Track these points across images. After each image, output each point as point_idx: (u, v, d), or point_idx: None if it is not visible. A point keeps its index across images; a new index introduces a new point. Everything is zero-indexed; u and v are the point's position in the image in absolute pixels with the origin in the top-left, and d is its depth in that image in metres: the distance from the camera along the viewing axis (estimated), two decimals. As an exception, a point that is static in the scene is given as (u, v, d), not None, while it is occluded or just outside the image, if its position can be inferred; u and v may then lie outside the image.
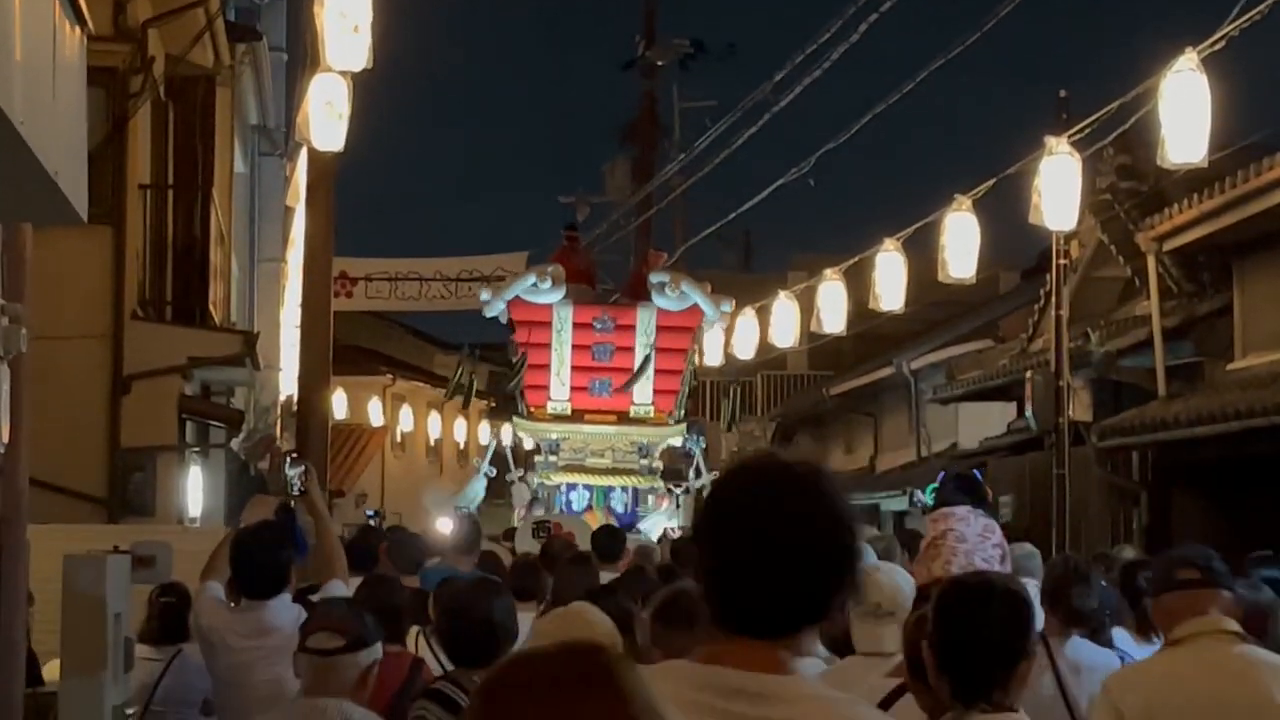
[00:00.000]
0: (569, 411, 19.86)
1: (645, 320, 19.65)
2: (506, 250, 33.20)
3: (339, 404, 32.36)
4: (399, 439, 44.35)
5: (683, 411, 20.86)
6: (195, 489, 17.33)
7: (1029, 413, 19.28)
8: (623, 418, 19.95)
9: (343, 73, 13.23)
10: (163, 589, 9.31)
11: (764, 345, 21.75)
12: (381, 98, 17.31)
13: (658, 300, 19.62)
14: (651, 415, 19.98)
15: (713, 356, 23.73)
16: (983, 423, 25.25)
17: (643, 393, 19.81)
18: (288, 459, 7.98)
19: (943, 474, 10.49)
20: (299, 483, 7.79)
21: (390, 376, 43.02)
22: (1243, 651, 5.38)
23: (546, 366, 19.73)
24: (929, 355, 28.83)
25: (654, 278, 19.83)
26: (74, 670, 7.20)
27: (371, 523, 21.77)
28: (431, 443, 46.05)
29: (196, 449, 17.85)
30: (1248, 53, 11.90)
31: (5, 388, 4.70)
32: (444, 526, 13.91)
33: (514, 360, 20.43)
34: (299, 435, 16.61)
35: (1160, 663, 5.73)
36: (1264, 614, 6.72)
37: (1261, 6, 11.30)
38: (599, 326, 19.72)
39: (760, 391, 40.37)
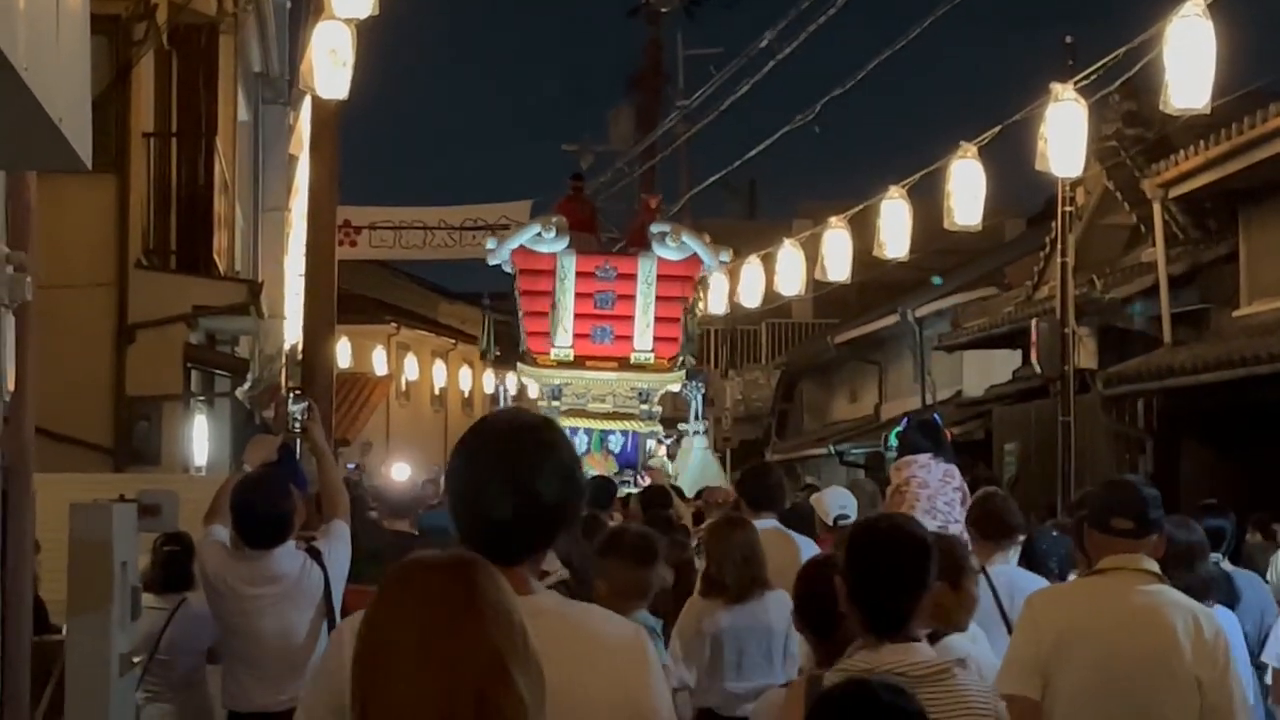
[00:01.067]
0: (572, 358, 20.29)
1: (646, 269, 20.07)
2: (511, 199, 33.15)
3: (343, 353, 32.37)
4: (404, 388, 44.35)
5: (685, 358, 21.30)
6: (201, 438, 17.32)
7: (1034, 360, 19.26)
8: (623, 364, 20.41)
9: (347, 20, 13.18)
10: (167, 538, 9.31)
11: (769, 293, 21.71)
12: (385, 46, 17.26)
13: (658, 250, 20.06)
14: (651, 362, 20.44)
15: (717, 305, 23.82)
16: (988, 370, 25.25)
17: (643, 340, 20.23)
18: (291, 395, 7.92)
19: (906, 419, 10.79)
20: (301, 419, 7.75)
21: (395, 325, 43.02)
22: (1158, 589, 5.71)
23: (550, 314, 20.13)
24: (934, 303, 28.81)
25: (654, 228, 20.24)
26: (81, 618, 7.20)
27: (352, 477, 22.03)
28: (436, 391, 46.06)
29: (202, 398, 17.84)
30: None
31: (10, 336, 4.68)
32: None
33: (517, 309, 20.82)
34: (304, 384, 16.59)
35: (1081, 588, 6.08)
36: (1193, 553, 7.23)
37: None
38: (601, 275, 20.15)
39: (765, 339, 40.36)
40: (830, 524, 10.14)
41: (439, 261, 34.18)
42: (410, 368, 44.31)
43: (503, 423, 3.60)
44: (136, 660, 7.95)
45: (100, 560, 7.21)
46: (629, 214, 35.66)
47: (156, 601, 9.16)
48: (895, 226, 16.78)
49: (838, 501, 10.66)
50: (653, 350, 20.39)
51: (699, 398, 21.84)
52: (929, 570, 4.61)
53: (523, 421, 3.59)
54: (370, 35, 14.39)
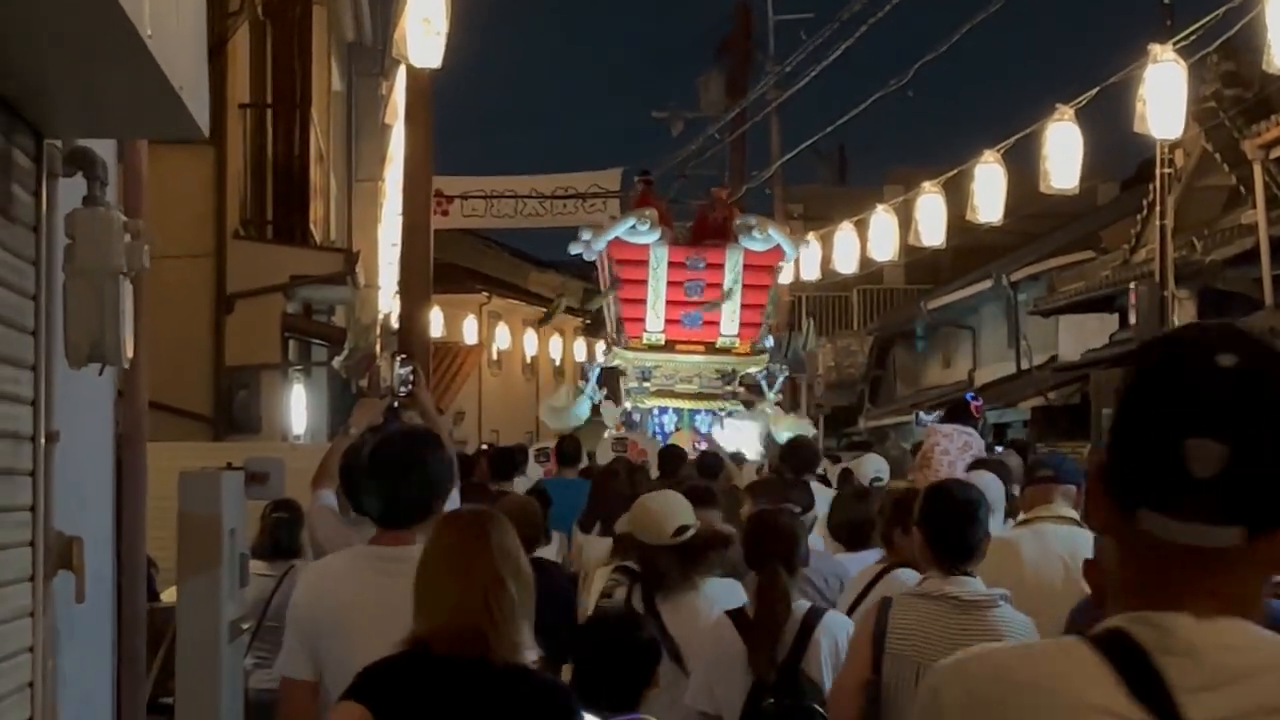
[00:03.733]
0: (663, 342, 21.58)
1: (734, 260, 21.30)
2: (601, 166, 33.15)
3: (435, 322, 32.42)
4: (495, 357, 44.43)
5: (768, 341, 22.90)
6: (299, 407, 17.43)
7: (1134, 323, 19.10)
8: (710, 348, 21.65)
9: (442, -16, 13.20)
10: (275, 505, 9.37)
11: (863, 259, 21.70)
12: (475, 15, 17.27)
13: (745, 242, 21.26)
14: (736, 346, 21.67)
15: (810, 271, 23.86)
16: (1083, 335, 25.07)
17: (729, 325, 21.48)
18: (397, 360, 7.93)
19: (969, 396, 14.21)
20: (409, 382, 7.76)
21: (486, 295, 43.06)
22: (1070, 531, 7.05)
23: (644, 301, 21.37)
24: (1029, 267, 28.63)
25: (740, 221, 21.58)
26: (190, 586, 7.23)
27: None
28: (527, 360, 46.13)
29: (299, 367, 17.94)
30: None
31: (129, 305, 4.70)
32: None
33: (605, 291, 22.16)
34: (401, 353, 16.63)
35: (1009, 536, 7.25)
36: None
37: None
38: (691, 265, 21.39)
39: (856, 306, 40.28)
40: (867, 485, 11.32)
41: (530, 230, 34.23)
42: (501, 337, 44.36)
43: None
44: (245, 627, 8.00)
45: (209, 528, 7.23)
46: (720, 181, 35.65)
47: (265, 569, 9.23)
48: (990, 191, 16.68)
49: (873, 467, 12.50)
50: (737, 334, 21.56)
51: (781, 379, 22.66)
52: (983, 520, 5.89)
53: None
54: (462, 4, 14.40)
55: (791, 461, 11.96)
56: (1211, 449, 1.98)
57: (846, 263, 22.28)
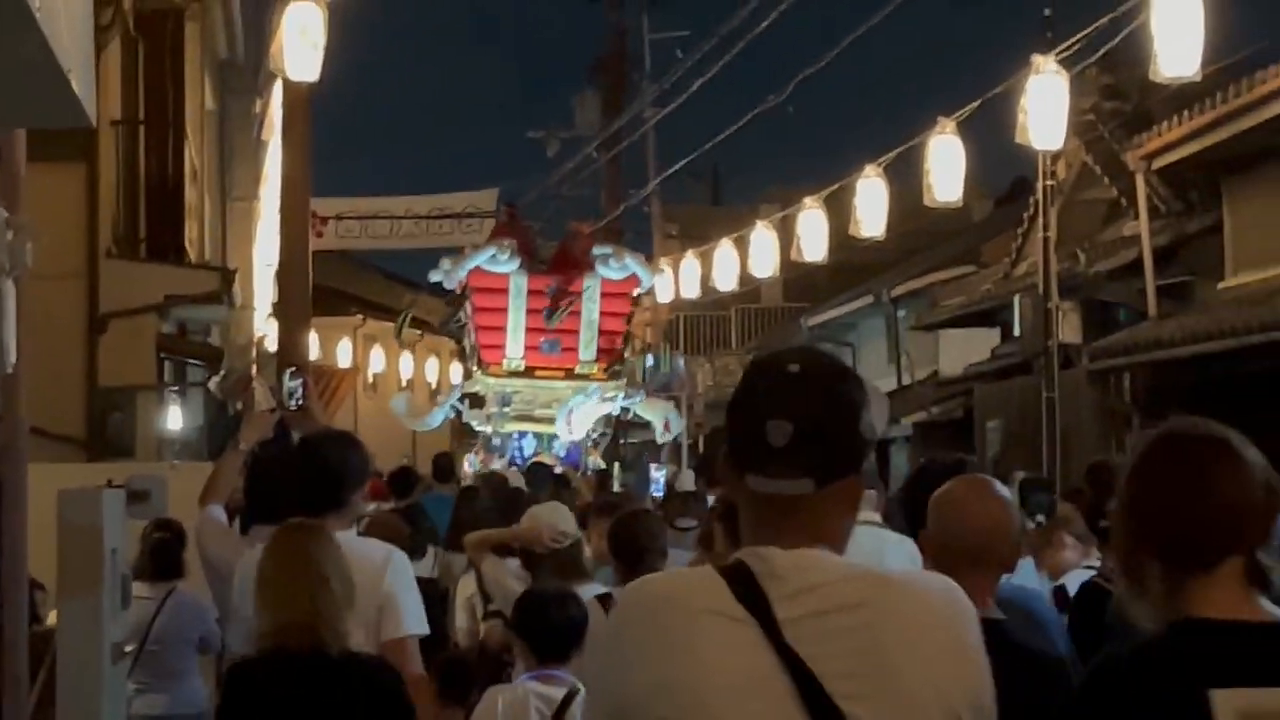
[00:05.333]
0: (522, 368, 22.19)
1: (591, 288, 22.00)
2: (477, 187, 32.98)
3: (310, 345, 32.07)
4: (371, 380, 44.04)
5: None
6: (174, 428, 17.10)
7: (1018, 335, 19.13)
8: (569, 373, 22.31)
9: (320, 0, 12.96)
10: (156, 525, 9.12)
11: (743, 276, 21.67)
12: (349, 32, 17.02)
13: (602, 270, 21.98)
14: (594, 371, 22.31)
15: (690, 289, 23.83)
16: (964, 349, 25.12)
17: (587, 351, 22.10)
18: (286, 373, 7.82)
19: None
20: (299, 397, 7.59)
21: (361, 317, 42.70)
22: (875, 533, 6.91)
23: (503, 328, 21.99)
24: (909, 283, 28.68)
25: (598, 250, 22.31)
26: (72, 608, 7.00)
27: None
28: (404, 383, 45.74)
29: (175, 388, 17.61)
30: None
31: (11, 305, 4.45)
32: None
33: (460, 320, 23.29)
34: (279, 376, 16.38)
35: None
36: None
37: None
38: (550, 293, 21.98)
39: (734, 325, 40.25)
40: None
41: (406, 251, 34.02)
42: (377, 360, 44.00)
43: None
44: (128, 650, 7.74)
45: (90, 547, 7.01)
46: (596, 201, 35.48)
47: (146, 590, 8.97)
48: (871, 205, 16.59)
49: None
50: (595, 361, 22.19)
51: (637, 402, 23.30)
52: None
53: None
54: (337, 20, 14.16)
55: (705, 474, 12.45)
56: (784, 426, 2.85)
57: (726, 280, 22.22)
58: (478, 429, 22.82)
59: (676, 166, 32.34)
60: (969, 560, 4.28)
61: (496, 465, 20.52)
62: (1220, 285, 18.43)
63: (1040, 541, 8.78)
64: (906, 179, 15.62)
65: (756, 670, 2.77)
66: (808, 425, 2.83)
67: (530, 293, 21.85)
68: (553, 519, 7.87)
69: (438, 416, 23.38)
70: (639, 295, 23.25)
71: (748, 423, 2.88)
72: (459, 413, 23.09)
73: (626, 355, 23.89)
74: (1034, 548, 8.50)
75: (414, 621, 6.06)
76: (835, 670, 2.75)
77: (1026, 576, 7.56)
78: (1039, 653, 4.26)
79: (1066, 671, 4.11)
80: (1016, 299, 19.63)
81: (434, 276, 22.70)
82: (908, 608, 2.82)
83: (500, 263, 21.77)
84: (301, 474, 6.19)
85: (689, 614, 2.84)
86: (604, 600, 6.87)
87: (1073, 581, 8.00)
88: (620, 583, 7.01)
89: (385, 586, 5.98)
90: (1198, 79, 11.81)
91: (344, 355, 40.90)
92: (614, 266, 22.06)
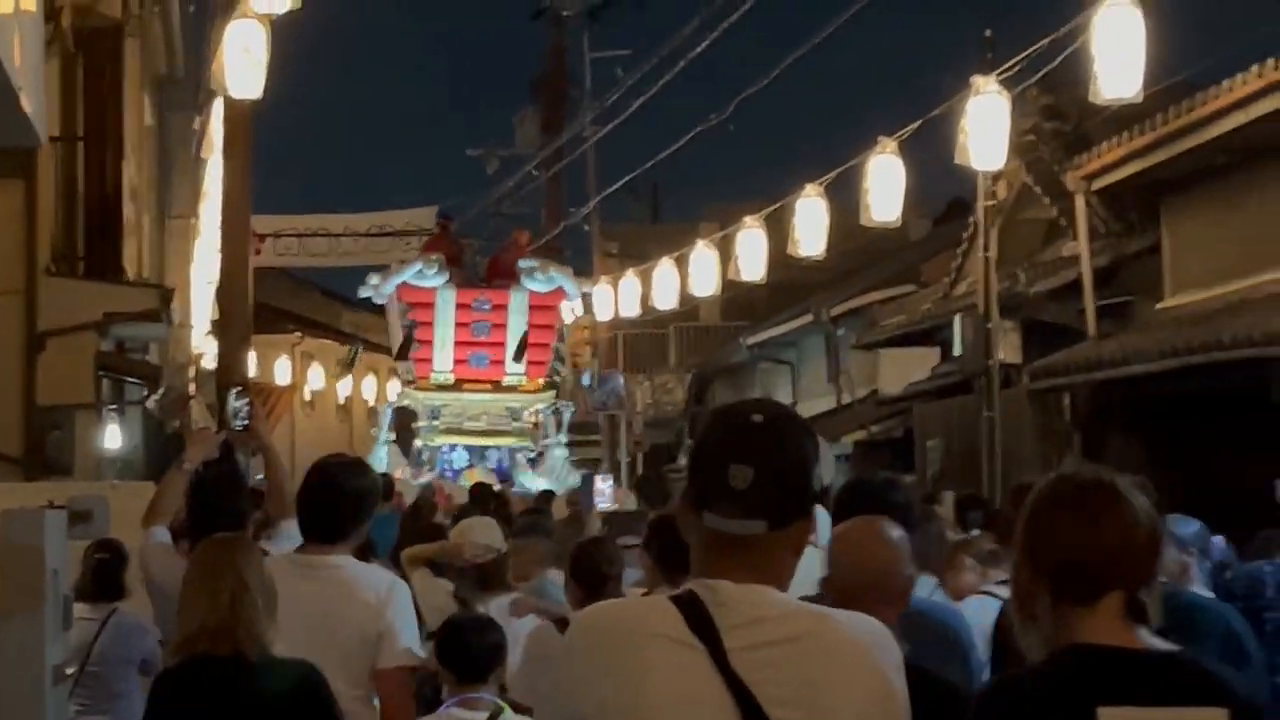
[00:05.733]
0: (451, 381, 22.77)
1: (518, 301, 22.60)
2: (417, 204, 32.93)
3: (249, 363, 31.94)
4: (308, 398, 43.90)
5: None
6: (113, 447, 16.98)
7: (958, 354, 19.20)
8: (497, 386, 22.92)
9: (263, 16, 12.92)
10: (98, 545, 9.03)
11: (682, 295, 21.65)
12: (290, 50, 16.97)
13: (528, 283, 22.58)
14: (523, 383, 22.97)
15: (629, 308, 23.79)
16: (904, 368, 25.16)
17: (515, 364, 22.74)
18: (232, 393, 7.79)
19: None
20: (245, 416, 7.54)
21: (299, 334, 42.55)
22: (807, 551, 7.10)
23: (431, 342, 22.59)
24: (849, 301, 28.75)
25: (524, 264, 22.73)
26: (12, 628, 6.92)
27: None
28: (341, 401, 45.60)
29: (114, 406, 17.49)
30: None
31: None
32: None
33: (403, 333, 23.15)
34: (219, 394, 16.34)
35: None
36: None
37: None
38: (477, 307, 22.65)
39: (674, 343, 40.27)
40: None
41: (344, 269, 33.93)
42: (315, 377, 43.85)
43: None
44: (69, 672, 7.67)
45: (32, 567, 6.93)
46: (537, 219, 35.51)
47: (87, 612, 8.87)
48: (811, 225, 16.60)
49: None
50: (524, 373, 22.81)
51: (568, 415, 23.95)
52: None
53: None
54: (279, 37, 14.11)
55: (645, 493, 12.62)
56: (745, 470, 3.08)
57: (666, 299, 22.19)
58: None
59: (616, 185, 32.43)
60: (864, 598, 4.43)
61: (426, 478, 20.55)
62: (1159, 305, 18.53)
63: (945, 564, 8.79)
64: (846, 198, 15.64)
65: (704, 693, 3.03)
66: (767, 472, 3.09)
67: (458, 306, 22.29)
68: (479, 533, 8.14)
69: (380, 454, 23.10)
70: (571, 310, 23.54)
71: (711, 465, 3.13)
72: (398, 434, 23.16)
73: (561, 370, 24.08)
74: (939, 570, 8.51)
75: (410, 652, 6.12)
76: (776, 697, 3.01)
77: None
78: (940, 681, 4.48)
79: (965, 698, 4.28)
80: (956, 318, 19.71)
81: (363, 292, 23.35)
82: (843, 645, 3.09)
83: (428, 277, 22.21)
84: (316, 498, 6.19)
85: (643, 638, 3.07)
86: (561, 623, 7.05)
87: (972, 604, 7.97)
88: (576, 606, 7.10)
89: (388, 615, 6.02)
90: (1137, 100, 11.87)
91: (282, 373, 40.72)
92: (540, 279, 22.48)
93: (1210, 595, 8.15)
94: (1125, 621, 3.42)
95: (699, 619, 3.07)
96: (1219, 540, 8.61)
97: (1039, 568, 3.48)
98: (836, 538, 4.91)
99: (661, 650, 3.06)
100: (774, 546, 3.14)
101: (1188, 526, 8.22)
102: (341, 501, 6.17)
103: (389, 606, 6.05)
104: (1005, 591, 6.70)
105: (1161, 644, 3.45)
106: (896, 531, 4.86)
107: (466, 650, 6.44)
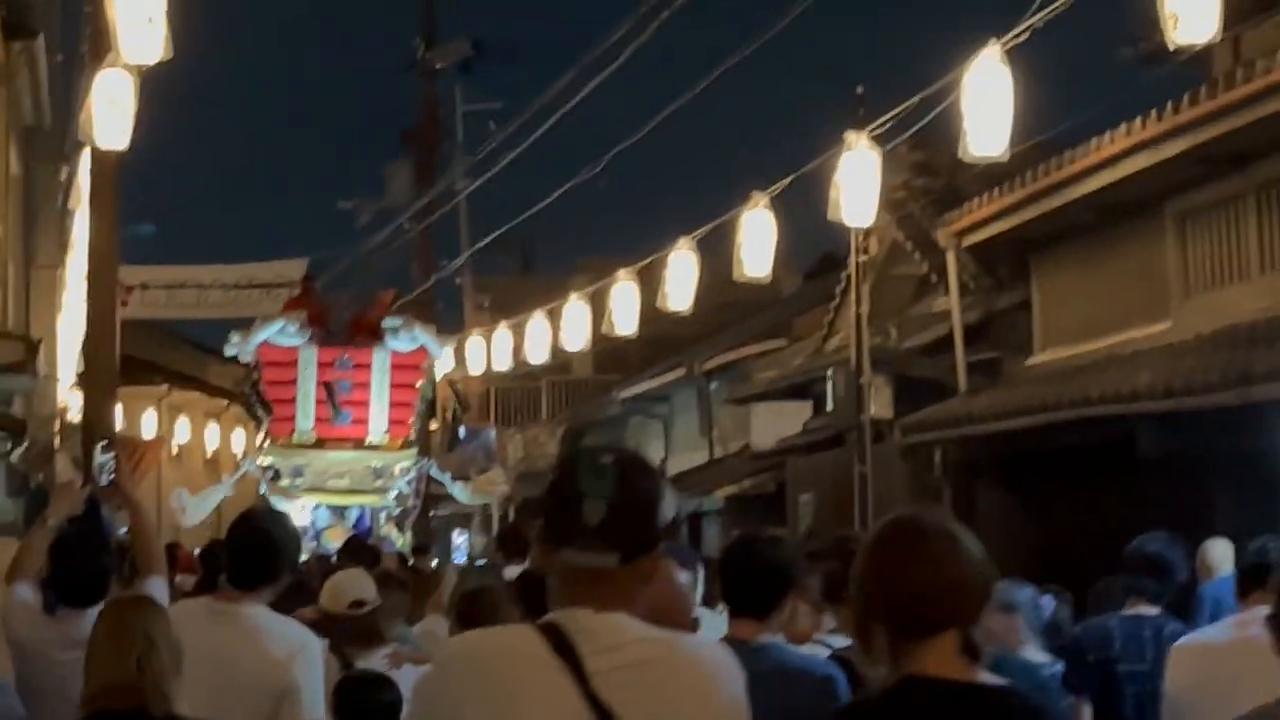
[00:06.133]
0: (313, 440, 22.47)
1: (380, 360, 22.42)
2: (287, 256, 32.72)
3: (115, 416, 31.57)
4: (175, 451, 43.48)
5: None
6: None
7: (830, 409, 19.27)
8: (360, 444, 22.65)
9: (133, 67, 12.76)
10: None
11: (554, 348, 21.62)
12: (159, 101, 16.80)
13: (391, 343, 22.46)
14: (386, 442, 22.68)
15: (502, 362, 23.75)
16: (777, 422, 25.20)
17: (378, 422, 22.50)
18: (98, 447, 7.65)
19: None
20: (111, 471, 7.43)
21: (166, 387, 42.16)
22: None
23: (293, 401, 22.32)
24: (722, 356, 28.78)
25: (387, 322, 22.67)
26: None
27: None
28: (209, 454, 45.21)
29: (-24, 460, 17.24)
30: (1041, 49, 11.87)
31: None
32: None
33: (255, 396, 23.38)
34: (84, 451, 16.11)
35: None
36: None
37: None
38: (340, 365, 22.39)
39: (546, 397, 40.19)
40: None
41: (214, 321, 33.62)
42: (182, 430, 43.45)
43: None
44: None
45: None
46: (408, 273, 35.40)
47: (-53, 672, 8.68)
48: (683, 279, 16.62)
49: None
50: (387, 431, 22.52)
51: (430, 473, 23.91)
52: None
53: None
54: (146, 87, 13.95)
55: (503, 546, 12.84)
56: (598, 507, 3.33)
57: (538, 352, 22.16)
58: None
59: (489, 239, 32.29)
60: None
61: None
62: (1028, 361, 18.70)
63: None
64: (719, 253, 15.66)
65: (568, 714, 3.30)
66: (618, 508, 3.35)
67: (320, 365, 22.06)
68: (352, 587, 8.21)
69: (213, 498, 23.61)
70: (431, 366, 23.39)
71: (566, 504, 3.38)
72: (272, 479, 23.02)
73: (433, 425, 24.07)
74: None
75: (315, 712, 6.13)
76: (634, 716, 3.30)
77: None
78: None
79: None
80: (829, 373, 19.78)
81: (228, 350, 23.09)
82: (691, 668, 3.39)
83: (289, 335, 22.01)
84: (240, 544, 6.35)
85: (510, 663, 3.35)
86: None
87: (806, 652, 8.00)
88: None
89: (294, 671, 6.05)
90: (1006, 158, 11.94)
91: (149, 426, 40.35)
92: (403, 338, 22.38)
93: (1044, 657, 8.23)
94: (961, 657, 3.61)
95: (561, 645, 3.33)
96: (1049, 600, 8.68)
97: (878, 604, 3.68)
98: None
99: (528, 674, 3.32)
100: (626, 578, 3.38)
101: (1020, 591, 8.30)
102: (264, 549, 6.29)
103: (296, 662, 6.08)
104: (837, 640, 6.74)
105: (994, 679, 3.66)
106: (684, 575, 5.31)
107: (366, 709, 6.53)
